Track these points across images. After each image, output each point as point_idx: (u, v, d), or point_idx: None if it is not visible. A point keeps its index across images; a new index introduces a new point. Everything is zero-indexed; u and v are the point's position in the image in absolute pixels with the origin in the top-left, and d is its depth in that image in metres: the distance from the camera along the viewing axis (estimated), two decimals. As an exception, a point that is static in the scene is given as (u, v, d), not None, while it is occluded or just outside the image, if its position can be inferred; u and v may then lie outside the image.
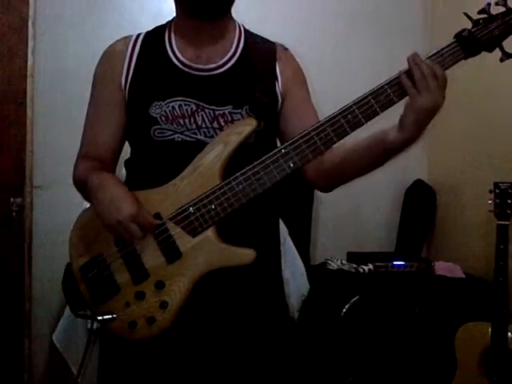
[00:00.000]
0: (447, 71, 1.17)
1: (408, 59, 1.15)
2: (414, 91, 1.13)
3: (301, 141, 1.18)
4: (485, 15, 1.17)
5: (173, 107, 1.26)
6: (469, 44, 1.16)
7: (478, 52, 1.18)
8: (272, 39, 1.39)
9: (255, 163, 1.19)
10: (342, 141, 1.20)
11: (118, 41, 1.36)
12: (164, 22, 1.38)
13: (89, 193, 1.24)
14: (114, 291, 1.23)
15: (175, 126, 1.26)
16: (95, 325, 1.26)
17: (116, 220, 1.16)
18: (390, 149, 1.18)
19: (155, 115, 1.26)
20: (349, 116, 1.16)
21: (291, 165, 1.18)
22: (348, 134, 1.18)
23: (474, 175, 2.70)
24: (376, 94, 1.16)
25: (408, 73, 1.15)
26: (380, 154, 1.21)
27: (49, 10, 2.60)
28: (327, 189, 1.36)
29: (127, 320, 1.21)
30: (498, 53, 1.22)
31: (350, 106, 1.17)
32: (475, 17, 1.18)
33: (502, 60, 1.20)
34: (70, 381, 2.47)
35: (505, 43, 1.19)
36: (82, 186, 1.28)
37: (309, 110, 1.36)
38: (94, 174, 1.25)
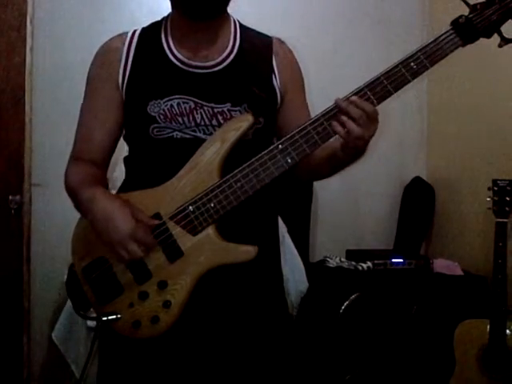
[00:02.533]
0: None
1: (337, 101, 1.15)
2: (347, 136, 1.14)
3: (297, 136, 1.17)
4: (482, 0, 1.16)
5: (171, 105, 1.25)
6: (466, 31, 1.15)
7: (475, 38, 1.16)
8: (270, 34, 1.38)
9: (253, 160, 1.18)
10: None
11: (113, 38, 1.34)
12: (160, 19, 1.36)
13: (81, 207, 1.24)
14: (117, 292, 1.23)
15: (174, 124, 1.25)
16: (95, 324, 1.26)
17: (114, 240, 1.16)
18: (340, 165, 1.26)
19: (154, 114, 1.25)
20: None
21: (289, 160, 1.18)
22: None
23: (472, 172, 2.71)
24: (373, 85, 1.16)
25: (338, 116, 1.15)
26: (333, 167, 1.28)
27: (47, 6, 2.60)
28: (301, 180, 1.44)
29: (131, 320, 1.21)
30: (497, 52, 1.22)
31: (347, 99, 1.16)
32: (472, 2, 1.17)
33: (500, 45, 1.18)
34: (68, 378, 2.47)
35: (503, 28, 1.17)
36: (73, 196, 1.28)
37: (304, 110, 1.37)
38: (85, 189, 1.24)
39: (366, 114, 1.13)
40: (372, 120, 1.14)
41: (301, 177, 1.40)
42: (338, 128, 1.14)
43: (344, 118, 1.13)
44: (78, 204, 1.25)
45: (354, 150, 1.17)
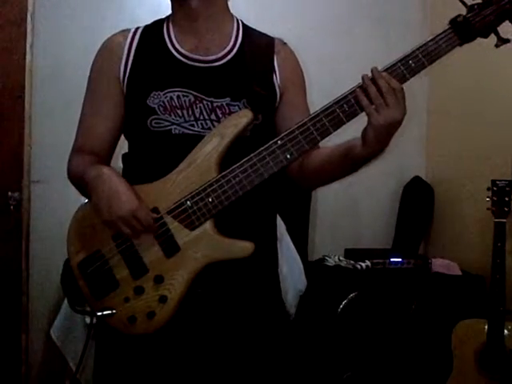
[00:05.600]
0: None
1: (363, 76, 1.14)
2: (372, 109, 1.13)
3: (297, 132, 1.18)
4: (479, 0, 1.17)
5: (171, 97, 1.26)
6: (464, 30, 1.16)
7: (473, 38, 1.17)
8: (270, 34, 1.39)
9: (252, 155, 1.19)
10: (323, 144, 1.24)
11: (116, 33, 1.36)
12: (163, 17, 1.38)
13: (87, 187, 1.23)
14: (113, 287, 1.22)
15: (173, 116, 1.26)
16: (94, 320, 1.26)
17: (117, 215, 1.16)
18: (357, 161, 1.21)
19: (153, 105, 1.26)
20: (344, 105, 1.16)
21: (288, 156, 1.18)
22: (344, 123, 1.17)
23: (471, 172, 2.71)
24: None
25: (364, 89, 1.14)
26: (349, 164, 1.23)
27: (48, 3, 2.60)
28: (306, 188, 1.39)
29: (127, 315, 1.21)
30: (497, 53, 1.22)
31: (346, 96, 1.16)
32: (470, 2, 1.18)
33: (497, 45, 1.19)
34: (67, 374, 2.47)
35: (500, 28, 1.18)
36: (79, 180, 1.28)
37: (303, 110, 1.36)
38: (91, 168, 1.24)
39: (393, 90, 1.12)
40: (399, 98, 1.12)
41: (309, 182, 1.39)
42: (365, 101, 1.13)
43: (372, 89, 1.12)
44: (83, 184, 1.24)
45: (377, 135, 1.13)
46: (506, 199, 2.12)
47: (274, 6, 2.86)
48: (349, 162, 1.22)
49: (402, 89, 1.14)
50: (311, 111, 1.37)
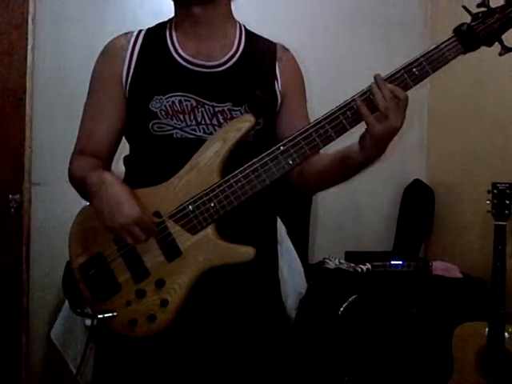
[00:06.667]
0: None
1: (371, 86, 1.14)
2: (371, 118, 1.13)
3: (299, 138, 1.18)
4: (484, 8, 1.16)
5: (173, 102, 1.26)
6: (468, 38, 1.16)
7: (477, 46, 1.17)
8: (271, 39, 1.39)
9: (254, 161, 1.19)
10: (323, 150, 1.24)
11: (119, 36, 1.36)
12: (165, 20, 1.38)
13: (88, 192, 1.23)
14: (114, 290, 1.22)
15: (175, 121, 1.26)
16: (95, 322, 1.26)
17: (119, 223, 1.15)
18: (354, 167, 1.22)
19: (155, 109, 1.26)
20: (347, 112, 1.16)
21: (290, 162, 1.18)
22: (347, 130, 1.17)
23: (472, 175, 2.71)
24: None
25: (365, 97, 1.14)
26: (346, 169, 1.24)
27: (49, 6, 2.60)
28: (305, 193, 1.39)
29: (128, 318, 1.21)
30: (496, 56, 1.22)
31: (349, 102, 1.16)
32: (474, 10, 1.18)
33: (500, 54, 1.19)
34: (67, 377, 2.47)
35: (504, 37, 1.18)
36: (80, 184, 1.27)
37: (303, 115, 1.37)
38: (93, 173, 1.23)
39: (396, 99, 1.12)
40: (401, 107, 1.12)
41: (309, 187, 1.40)
42: (364, 110, 1.13)
43: (377, 97, 1.12)
44: (86, 188, 1.23)
45: (375, 142, 1.14)
46: (507, 202, 2.12)
47: (274, 10, 2.86)
48: (346, 168, 1.24)
49: (407, 97, 1.13)
50: (312, 114, 1.38)
